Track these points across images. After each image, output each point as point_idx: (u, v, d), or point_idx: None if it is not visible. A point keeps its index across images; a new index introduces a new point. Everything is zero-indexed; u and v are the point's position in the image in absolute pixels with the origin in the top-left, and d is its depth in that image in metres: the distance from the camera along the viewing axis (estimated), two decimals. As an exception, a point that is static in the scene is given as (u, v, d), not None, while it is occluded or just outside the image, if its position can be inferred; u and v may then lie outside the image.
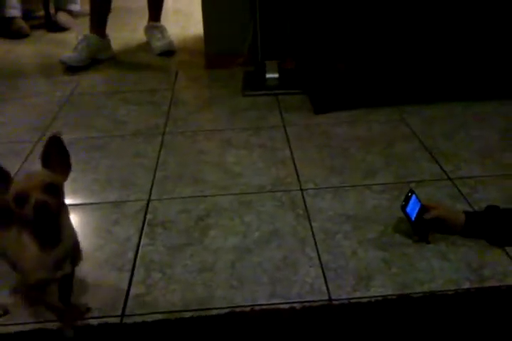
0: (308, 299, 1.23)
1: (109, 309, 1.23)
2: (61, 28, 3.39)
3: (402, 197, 1.45)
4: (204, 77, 2.63)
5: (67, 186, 1.03)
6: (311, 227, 1.47)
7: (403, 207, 1.42)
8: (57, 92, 2.45)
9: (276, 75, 2.46)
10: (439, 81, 2.12)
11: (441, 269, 1.30)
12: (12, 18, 3.31)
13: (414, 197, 1.43)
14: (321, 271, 1.31)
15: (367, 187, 1.64)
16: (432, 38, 2.04)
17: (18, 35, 3.28)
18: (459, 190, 1.61)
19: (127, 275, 1.33)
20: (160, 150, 1.92)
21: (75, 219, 1.51)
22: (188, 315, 1.20)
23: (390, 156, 1.81)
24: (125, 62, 2.86)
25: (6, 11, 3.29)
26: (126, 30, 3.29)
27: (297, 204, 1.58)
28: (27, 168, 1.79)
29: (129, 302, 1.25)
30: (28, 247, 1.00)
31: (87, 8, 2.86)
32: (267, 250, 1.40)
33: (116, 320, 1.20)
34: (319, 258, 1.36)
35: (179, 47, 2.96)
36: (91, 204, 1.63)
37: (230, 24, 2.55)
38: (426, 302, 1.20)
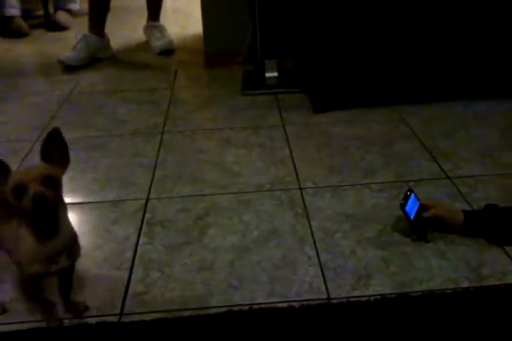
0: (307, 298, 1.23)
1: (108, 308, 1.23)
2: (60, 27, 3.39)
3: (401, 196, 1.45)
4: (203, 76, 2.63)
5: (66, 185, 1.03)
6: (310, 226, 1.47)
7: (402, 206, 1.42)
8: (57, 91, 2.45)
9: (275, 74, 2.46)
10: (438, 80, 2.12)
11: (440, 268, 1.30)
12: (11, 17, 3.32)
13: (413, 196, 1.42)
14: (319, 270, 1.31)
15: (366, 186, 1.64)
16: (431, 38, 2.04)
17: (17, 34, 3.28)
18: (458, 189, 1.61)
19: (126, 274, 1.33)
20: (159, 150, 1.91)
21: (73, 218, 1.51)
22: (186, 313, 1.20)
23: (389, 155, 1.81)
24: (124, 61, 2.86)
25: (6, 10, 3.29)
26: (126, 30, 3.29)
27: (296, 203, 1.58)
28: (26, 166, 1.78)
29: (128, 301, 1.25)
30: (24, 239, 1.01)
31: (86, 7, 2.85)
32: (265, 249, 1.40)
33: (115, 318, 1.20)
34: (318, 257, 1.36)
35: (178, 47, 2.96)
36: (90, 203, 1.63)
37: (229, 23, 2.55)
38: (425, 301, 1.20)
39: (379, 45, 2.06)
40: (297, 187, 1.66)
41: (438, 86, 2.14)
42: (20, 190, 0.94)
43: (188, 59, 2.81)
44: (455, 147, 1.85)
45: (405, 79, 2.12)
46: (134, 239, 1.46)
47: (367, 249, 1.38)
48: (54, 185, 0.97)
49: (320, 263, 1.34)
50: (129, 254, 1.40)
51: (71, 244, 1.07)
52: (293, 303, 1.21)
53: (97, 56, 2.78)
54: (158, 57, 2.88)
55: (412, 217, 1.39)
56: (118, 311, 1.22)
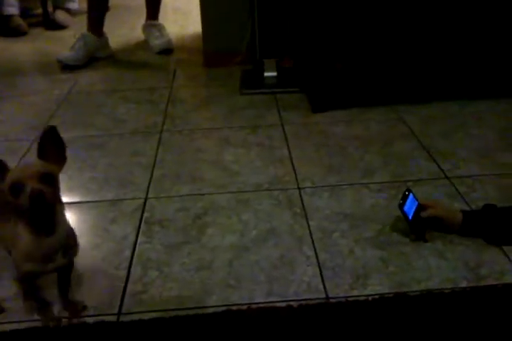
0: (305, 297, 1.23)
1: (106, 307, 1.23)
2: (59, 26, 3.39)
3: (400, 196, 1.45)
4: (202, 75, 2.63)
5: (64, 184, 1.03)
6: (309, 226, 1.47)
7: (400, 206, 1.42)
8: (55, 90, 2.45)
9: (274, 74, 2.46)
10: (436, 80, 2.13)
11: (439, 268, 1.30)
12: (10, 16, 3.32)
13: (411, 195, 1.42)
14: (318, 270, 1.31)
15: (364, 186, 1.64)
16: (430, 37, 2.04)
17: (16, 33, 3.28)
18: (457, 189, 1.61)
19: (124, 273, 1.33)
20: (158, 149, 1.91)
21: (72, 217, 1.51)
22: (184, 313, 1.20)
23: (388, 155, 1.81)
24: (123, 60, 2.85)
25: (4, 8, 3.29)
26: (125, 29, 3.29)
27: (294, 202, 1.58)
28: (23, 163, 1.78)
29: (126, 301, 1.25)
30: (22, 237, 1.01)
31: (85, 6, 2.85)
32: (264, 248, 1.40)
33: (113, 318, 1.20)
34: (316, 257, 1.36)
35: (177, 46, 2.96)
36: (88, 202, 1.63)
37: (228, 22, 2.55)
38: (423, 301, 1.20)
39: (377, 45, 2.06)
40: (296, 186, 1.66)
41: (437, 85, 2.14)
42: (17, 187, 0.93)
43: (187, 58, 2.81)
44: (454, 147, 1.85)
45: (404, 78, 2.12)
46: (132, 238, 1.46)
47: (365, 249, 1.38)
48: (51, 183, 0.97)
49: (318, 263, 1.34)
50: (128, 253, 1.40)
51: (68, 242, 1.06)
52: (291, 303, 1.21)
53: (96, 55, 2.78)
54: (157, 56, 2.88)
55: (410, 217, 1.39)
56: (116, 310, 1.22)
